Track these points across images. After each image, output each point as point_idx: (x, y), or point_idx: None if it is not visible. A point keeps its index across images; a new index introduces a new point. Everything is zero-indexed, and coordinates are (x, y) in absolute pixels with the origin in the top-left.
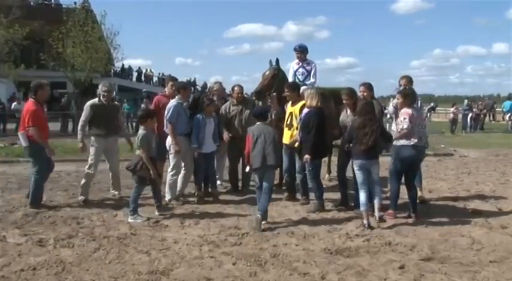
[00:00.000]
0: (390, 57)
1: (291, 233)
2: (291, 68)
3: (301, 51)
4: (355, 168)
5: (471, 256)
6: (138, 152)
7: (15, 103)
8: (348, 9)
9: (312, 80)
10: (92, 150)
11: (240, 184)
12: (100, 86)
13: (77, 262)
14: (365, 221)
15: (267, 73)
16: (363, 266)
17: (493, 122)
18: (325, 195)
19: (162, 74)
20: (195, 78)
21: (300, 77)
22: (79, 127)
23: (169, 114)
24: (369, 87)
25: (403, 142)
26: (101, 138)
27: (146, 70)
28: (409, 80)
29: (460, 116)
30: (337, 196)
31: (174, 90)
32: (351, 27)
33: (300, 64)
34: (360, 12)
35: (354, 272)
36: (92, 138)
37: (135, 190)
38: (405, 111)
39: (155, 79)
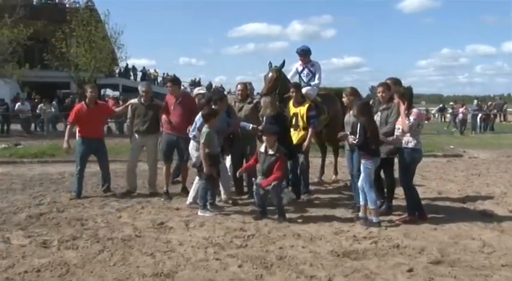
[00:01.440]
0: (397, 57)
1: (297, 235)
2: (295, 68)
3: (304, 54)
4: (369, 167)
5: (482, 259)
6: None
7: (18, 103)
8: (354, 8)
9: (316, 81)
10: (131, 146)
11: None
12: (139, 87)
13: (81, 263)
14: (375, 220)
15: (269, 75)
16: (371, 269)
17: (504, 122)
18: (331, 196)
19: (167, 74)
20: (199, 79)
21: (304, 78)
22: (126, 126)
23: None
24: (387, 87)
25: (414, 145)
26: (138, 135)
27: (149, 70)
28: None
29: (469, 116)
30: (340, 195)
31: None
32: (357, 27)
33: (304, 65)
34: (365, 11)
35: (361, 276)
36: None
37: (203, 186)
38: (415, 112)
39: (159, 79)
